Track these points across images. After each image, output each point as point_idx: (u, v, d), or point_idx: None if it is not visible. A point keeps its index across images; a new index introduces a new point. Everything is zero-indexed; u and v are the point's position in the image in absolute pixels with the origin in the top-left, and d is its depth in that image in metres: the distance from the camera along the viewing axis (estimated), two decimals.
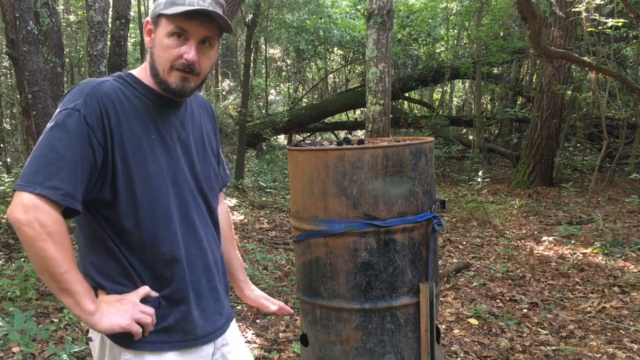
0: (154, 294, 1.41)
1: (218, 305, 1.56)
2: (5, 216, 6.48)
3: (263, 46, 15.90)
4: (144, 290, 1.39)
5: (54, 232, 1.24)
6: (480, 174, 9.73)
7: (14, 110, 12.51)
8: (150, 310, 1.38)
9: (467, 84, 17.94)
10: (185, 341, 1.45)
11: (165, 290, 1.42)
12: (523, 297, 4.38)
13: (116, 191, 1.34)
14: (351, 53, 15.94)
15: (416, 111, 17.19)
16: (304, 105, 15.94)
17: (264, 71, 16.39)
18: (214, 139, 1.64)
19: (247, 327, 3.77)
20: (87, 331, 3.51)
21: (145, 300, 1.39)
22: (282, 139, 16.63)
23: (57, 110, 1.33)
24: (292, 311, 1.85)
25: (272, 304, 1.79)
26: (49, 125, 1.31)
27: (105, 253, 1.39)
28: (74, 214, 1.31)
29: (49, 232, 1.23)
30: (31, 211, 1.23)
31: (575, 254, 5.51)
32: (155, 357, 1.41)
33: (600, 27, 6.39)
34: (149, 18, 1.43)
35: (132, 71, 1.47)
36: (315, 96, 18.30)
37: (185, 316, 1.45)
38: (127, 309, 1.34)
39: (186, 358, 1.46)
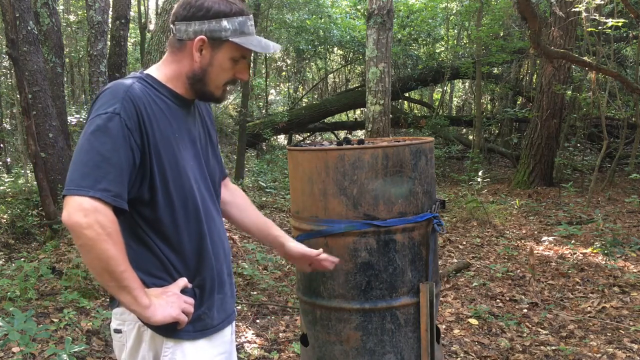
0: (190, 285, 1.49)
1: (232, 289, 1.67)
2: (5, 216, 6.48)
3: None
4: (183, 282, 1.47)
5: (112, 232, 1.30)
6: (480, 174, 9.73)
7: (14, 110, 12.51)
8: (191, 300, 1.47)
9: (467, 84, 17.93)
10: (214, 326, 1.55)
11: (196, 280, 1.51)
12: (523, 297, 4.38)
13: (153, 189, 1.42)
14: (351, 53, 15.94)
15: (416, 111, 17.18)
16: (304, 105, 15.94)
17: (264, 71, 16.39)
18: (213, 132, 1.72)
19: (247, 327, 3.77)
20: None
21: (183, 291, 1.47)
22: (282, 139, 16.63)
23: (94, 114, 1.36)
24: (337, 259, 1.85)
25: (314, 253, 1.79)
26: (88, 129, 1.35)
27: (143, 249, 1.46)
28: (120, 213, 1.37)
29: (109, 233, 1.29)
30: (91, 214, 1.28)
31: (575, 254, 5.51)
32: (191, 344, 1.50)
33: (600, 27, 6.38)
34: (203, 36, 1.46)
35: (149, 72, 1.52)
36: (315, 96, 18.29)
37: (213, 303, 1.55)
38: (174, 300, 1.42)
39: (214, 342, 1.56)
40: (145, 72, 1.52)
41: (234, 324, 1.69)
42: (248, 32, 1.47)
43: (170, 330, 1.46)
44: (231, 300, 1.64)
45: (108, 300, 1.49)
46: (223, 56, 1.47)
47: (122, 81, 1.43)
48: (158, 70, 1.52)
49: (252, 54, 1.67)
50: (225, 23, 1.44)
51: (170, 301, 1.41)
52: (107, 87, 1.42)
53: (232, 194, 1.80)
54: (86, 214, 1.27)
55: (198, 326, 1.51)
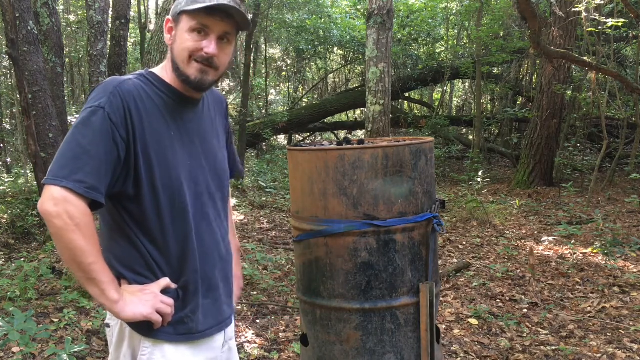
0: (174, 285, 1.47)
1: (228, 295, 1.62)
2: (5, 216, 6.49)
3: (263, 46, 15.91)
4: (165, 281, 1.45)
5: (82, 224, 1.30)
6: (480, 174, 9.73)
7: (14, 110, 12.51)
8: (170, 301, 1.44)
9: (467, 84, 17.93)
10: (200, 331, 1.51)
11: (180, 281, 1.48)
12: (523, 297, 4.38)
13: (139, 185, 1.40)
14: (351, 53, 15.94)
15: (416, 111, 17.19)
16: (304, 105, 15.94)
17: (264, 71, 16.39)
18: (227, 135, 1.71)
19: (247, 327, 3.77)
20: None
21: (165, 291, 1.45)
22: (282, 139, 16.64)
23: (84, 107, 1.38)
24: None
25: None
26: (75, 122, 1.37)
27: (127, 245, 1.44)
28: (98, 207, 1.37)
29: (77, 224, 1.29)
30: (60, 204, 1.29)
31: (575, 254, 5.51)
32: (172, 347, 1.47)
33: (600, 27, 6.38)
34: (169, 16, 1.50)
35: (153, 70, 1.53)
36: (315, 96, 18.30)
37: (198, 307, 1.51)
38: (149, 299, 1.40)
39: (200, 348, 1.52)
40: (150, 70, 1.53)
41: (231, 329, 1.64)
42: (202, 0, 1.42)
43: (148, 330, 1.44)
44: (226, 307, 1.60)
45: None
46: (181, 29, 1.45)
47: (116, 77, 1.44)
48: (162, 68, 1.53)
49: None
50: None
51: (145, 299, 1.39)
52: (101, 82, 1.44)
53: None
54: (56, 203, 1.29)
55: (180, 329, 1.48)
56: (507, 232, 6.61)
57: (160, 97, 1.46)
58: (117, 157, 1.36)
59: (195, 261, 1.49)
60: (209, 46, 1.44)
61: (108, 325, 1.53)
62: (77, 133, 1.34)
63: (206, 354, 1.54)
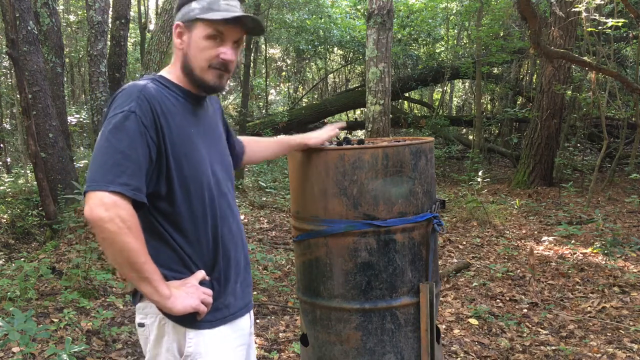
0: (208, 278, 1.54)
1: (249, 278, 1.72)
2: (5, 216, 6.49)
3: (263, 46, 15.91)
4: (201, 274, 1.53)
5: (132, 225, 1.35)
6: (480, 174, 9.72)
7: (14, 110, 12.51)
8: (209, 291, 1.53)
9: (467, 84, 17.93)
10: (232, 314, 1.60)
11: (214, 271, 1.56)
12: (523, 297, 4.38)
13: (170, 183, 1.47)
14: (351, 53, 15.94)
15: (416, 111, 17.19)
16: (304, 105, 15.93)
17: (264, 71, 16.39)
18: (225, 126, 1.81)
19: None
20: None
21: (201, 283, 1.52)
22: None
23: (111, 114, 1.42)
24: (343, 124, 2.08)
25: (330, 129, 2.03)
26: (106, 129, 1.40)
27: (161, 244, 1.50)
28: (139, 207, 1.41)
29: (129, 226, 1.34)
30: (112, 208, 1.33)
31: (575, 254, 5.51)
32: (211, 332, 1.55)
33: (600, 27, 6.38)
34: (179, 22, 1.55)
35: (162, 73, 1.60)
36: (315, 96, 18.29)
37: (231, 292, 1.60)
38: (193, 292, 1.48)
39: (233, 330, 1.60)
40: (159, 73, 1.59)
41: (252, 315, 1.73)
42: (217, 9, 1.50)
43: (191, 321, 1.51)
44: (248, 290, 1.69)
45: (131, 297, 1.55)
46: (196, 35, 1.51)
47: (136, 82, 1.50)
48: (169, 71, 1.59)
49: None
50: (194, 4, 1.52)
51: (190, 292, 1.46)
52: (121, 88, 1.49)
53: (246, 143, 1.95)
54: (107, 208, 1.32)
55: (218, 315, 1.56)
56: (507, 232, 6.61)
57: (175, 99, 1.53)
58: (150, 158, 1.42)
59: (227, 249, 1.57)
60: (227, 52, 1.52)
61: (142, 325, 1.57)
62: (112, 138, 1.38)
63: (239, 339, 1.62)
